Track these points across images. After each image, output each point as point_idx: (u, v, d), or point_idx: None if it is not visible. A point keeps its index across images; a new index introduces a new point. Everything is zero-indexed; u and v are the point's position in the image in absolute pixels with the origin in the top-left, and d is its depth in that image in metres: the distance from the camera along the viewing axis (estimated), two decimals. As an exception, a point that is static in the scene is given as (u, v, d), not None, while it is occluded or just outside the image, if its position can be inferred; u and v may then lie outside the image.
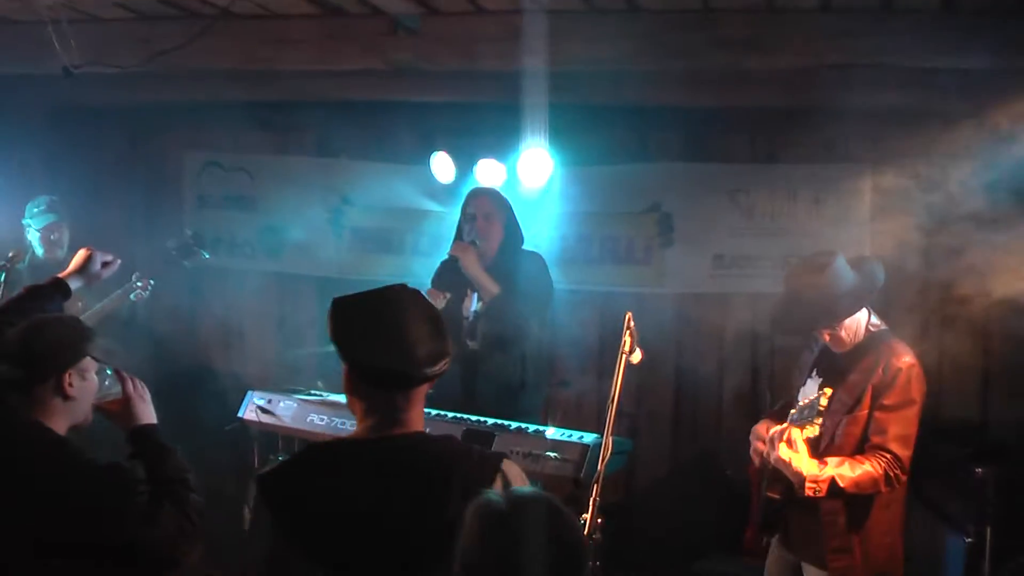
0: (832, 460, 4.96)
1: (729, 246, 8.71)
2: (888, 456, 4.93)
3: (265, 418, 6.87)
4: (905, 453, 4.96)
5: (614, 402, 4.79)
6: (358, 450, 3.38)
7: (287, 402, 6.85)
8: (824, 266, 5.08)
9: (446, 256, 6.96)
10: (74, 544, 3.85)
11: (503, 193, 7.28)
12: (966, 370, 8.07)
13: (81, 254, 5.24)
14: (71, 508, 3.89)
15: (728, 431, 8.83)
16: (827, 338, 5.20)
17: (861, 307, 5.13)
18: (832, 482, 4.88)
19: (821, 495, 4.90)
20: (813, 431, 4.82)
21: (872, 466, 4.91)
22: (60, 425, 4.17)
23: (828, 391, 4.82)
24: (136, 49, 6.66)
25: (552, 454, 5.84)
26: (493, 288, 6.72)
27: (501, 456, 3.37)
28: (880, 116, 7.69)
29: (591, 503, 4.54)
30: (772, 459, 4.98)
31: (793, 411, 4.95)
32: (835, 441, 5.04)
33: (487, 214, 6.92)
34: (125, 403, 4.38)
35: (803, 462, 4.89)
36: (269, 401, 6.93)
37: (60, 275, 5.12)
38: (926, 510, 6.70)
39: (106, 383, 4.43)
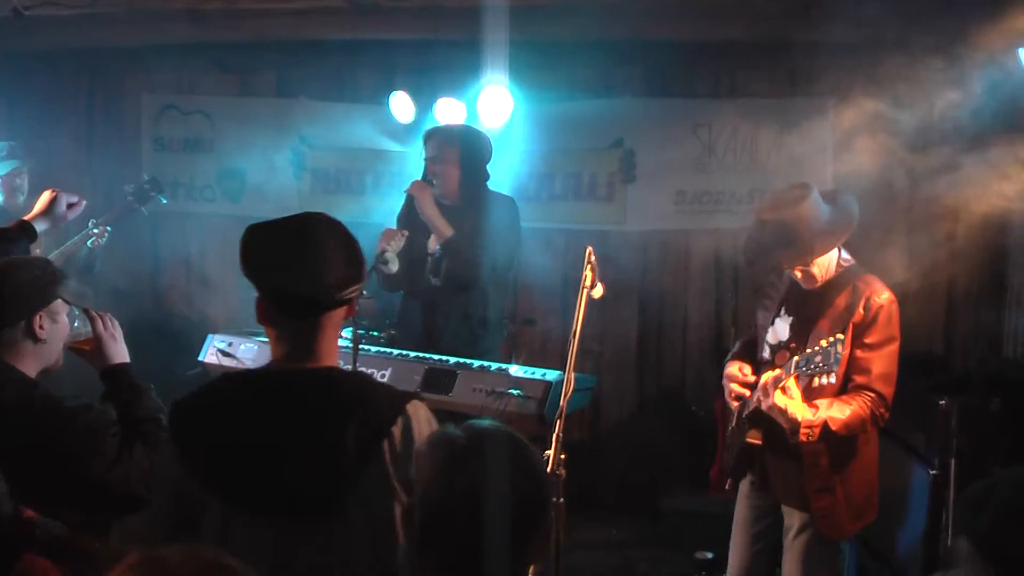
0: (822, 403, 4.92)
1: (692, 182, 8.69)
2: (873, 395, 4.91)
3: (226, 361, 6.81)
4: (888, 391, 4.94)
5: (576, 337, 4.75)
6: (264, 382, 3.35)
7: (248, 344, 6.79)
8: (799, 199, 4.99)
9: (405, 193, 6.88)
10: (44, 485, 3.81)
11: (465, 132, 7.15)
12: (929, 303, 8.10)
13: (46, 196, 5.20)
14: (41, 449, 3.85)
15: (693, 367, 8.85)
16: (799, 275, 5.15)
17: (837, 244, 5.07)
18: (824, 426, 4.86)
19: (814, 440, 4.88)
20: (829, 380, 4.78)
21: (859, 406, 4.89)
22: (30, 368, 4.14)
23: (841, 336, 4.75)
24: (88, -11, 6.58)
25: (515, 392, 5.81)
26: (446, 231, 6.65)
27: (408, 396, 3.30)
28: (843, 48, 7.65)
29: (555, 439, 4.51)
30: (765, 406, 4.93)
31: (796, 358, 4.85)
32: (815, 381, 5.01)
33: (435, 156, 6.84)
34: (97, 343, 4.34)
35: (798, 408, 4.85)
36: (230, 344, 6.88)
37: (26, 217, 5.08)
38: (891, 443, 6.71)
39: (75, 324, 4.39)
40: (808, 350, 4.74)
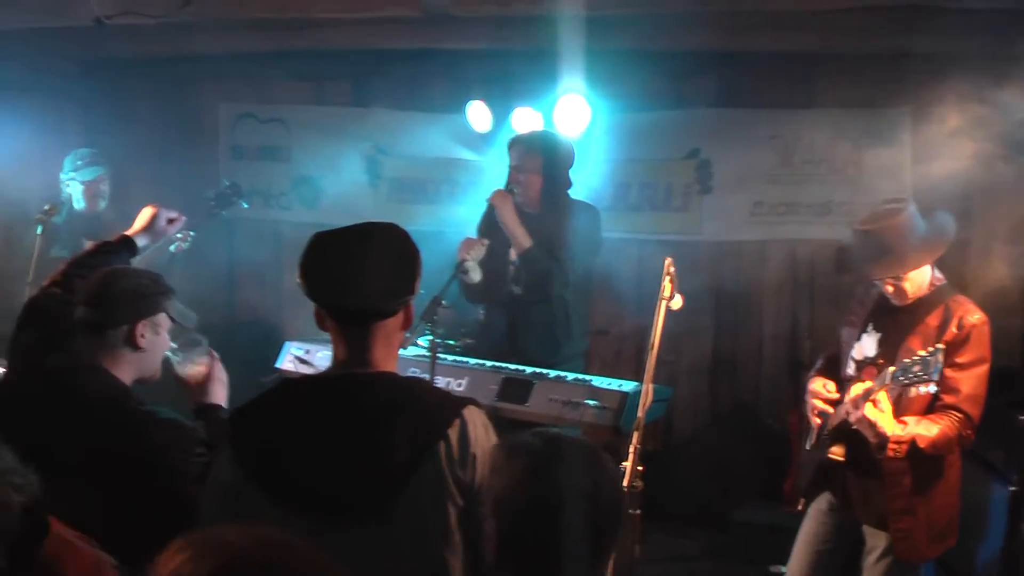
0: (910, 419, 4.86)
1: (768, 192, 8.64)
2: (960, 416, 4.85)
3: (303, 368, 6.86)
4: (976, 412, 4.88)
5: (654, 349, 4.75)
6: (320, 387, 3.38)
7: (325, 352, 6.82)
8: (896, 212, 4.97)
9: (487, 202, 6.88)
10: (120, 490, 3.84)
11: (547, 139, 7.14)
12: (1008, 316, 8.00)
13: (147, 211, 5.26)
14: (124, 454, 3.88)
15: (768, 379, 8.79)
16: (890, 289, 5.10)
17: (931, 259, 5.02)
18: (912, 443, 4.80)
19: (901, 456, 4.82)
20: (931, 389, 4.73)
21: (947, 426, 4.83)
22: (126, 374, 4.19)
23: (941, 346, 4.70)
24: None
25: (591, 402, 5.80)
26: (524, 241, 6.65)
27: (465, 402, 3.33)
28: (921, 59, 7.59)
29: (631, 451, 4.50)
30: (854, 419, 4.88)
31: (892, 369, 4.79)
32: (904, 397, 4.95)
33: (519, 165, 6.83)
34: (206, 380, 4.40)
35: (888, 423, 4.80)
36: (307, 351, 6.92)
37: (127, 232, 5.14)
38: (969, 460, 6.64)
39: (195, 353, 4.44)
40: (906, 360, 4.68)
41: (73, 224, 8.11)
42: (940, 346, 4.62)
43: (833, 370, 5.49)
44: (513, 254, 6.80)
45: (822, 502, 5.46)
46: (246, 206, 7.19)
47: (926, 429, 4.81)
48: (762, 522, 7.43)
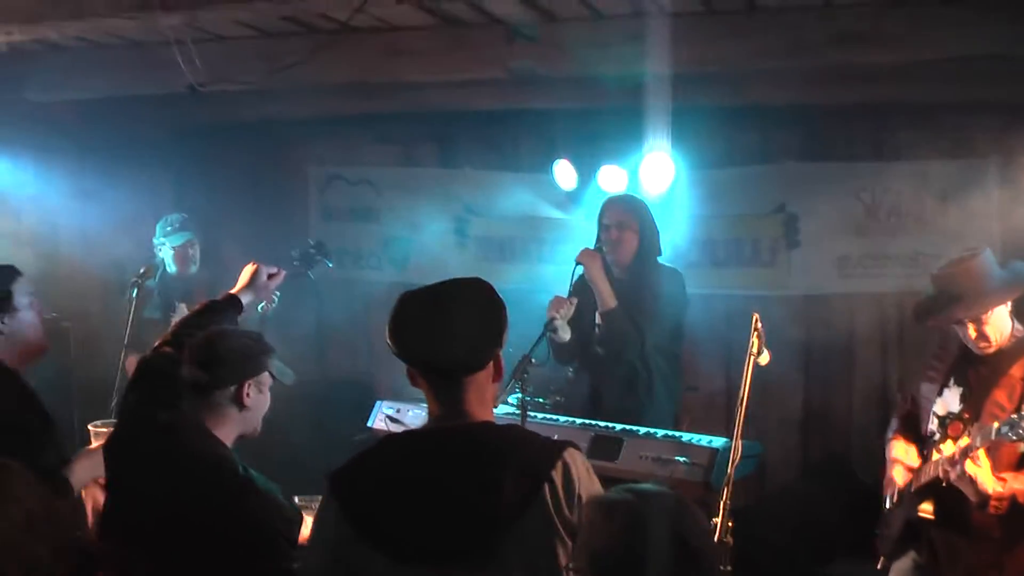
0: (1008, 475, 4.83)
1: (855, 246, 8.61)
2: None
3: (395, 427, 6.90)
4: None
5: (743, 404, 4.76)
6: (420, 441, 3.44)
7: (416, 411, 6.87)
8: (970, 257, 5.01)
9: (575, 262, 6.91)
10: (214, 553, 3.90)
11: (644, 203, 7.16)
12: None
13: (248, 269, 5.33)
14: (225, 520, 3.95)
15: (858, 433, 8.73)
16: (972, 334, 5.07)
17: (1010, 298, 5.00)
18: (1012, 498, 4.77)
19: (1003, 512, 4.79)
20: None
21: None
22: (230, 433, 4.27)
23: None
24: (258, 65, 6.76)
25: (682, 459, 5.81)
26: (610, 301, 6.67)
27: (565, 444, 3.35)
28: (1006, 110, 7.57)
29: (721, 506, 4.51)
30: (954, 476, 4.83)
31: (997, 424, 4.74)
32: (996, 450, 4.91)
33: (619, 223, 6.85)
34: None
35: (989, 479, 4.77)
36: (398, 410, 6.97)
37: (232, 291, 5.22)
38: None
39: None
40: (1013, 415, 4.64)
41: (166, 287, 8.27)
42: None
43: (910, 429, 5.46)
44: (598, 315, 6.83)
45: (906, 561, 5.41)
46: (331, 265, 7.29)
47: None
48: (853, 577, 7.38)
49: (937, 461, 5.06)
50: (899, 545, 5.38)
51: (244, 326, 6.71)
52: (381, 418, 7.05)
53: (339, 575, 3.29)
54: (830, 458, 8.81)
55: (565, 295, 6.61)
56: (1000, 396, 4.90)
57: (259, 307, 7.56)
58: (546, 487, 3.17)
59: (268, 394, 4.41)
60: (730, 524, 4.49)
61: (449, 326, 3.31)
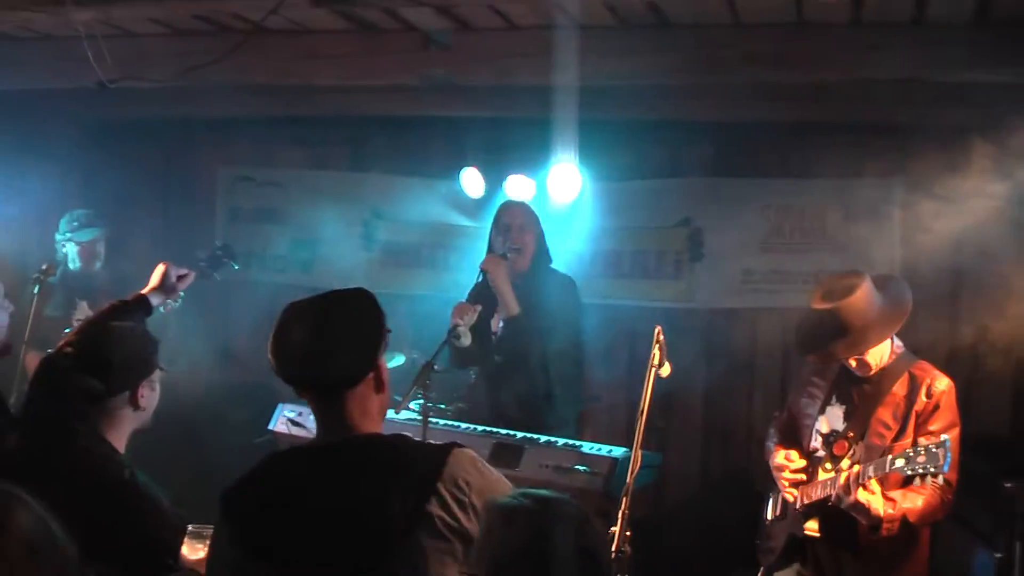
0: (896, 494, 4.91)
1: (759, 261, 8.70)
2: (941, 483, 4.90)
3: (296, 430, 6.89)
4: (954, 476, 4.93)
5: (643, 415, 4.79)
6: (306, 458, 3.43)
7: (317, 414, 6.87)
8: (851, 288, 5.03)
9: (479, 269, 6.94)
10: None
11: (534, 209, 7.24)
12: (997, 385, 8.06)
13: (159, 269, 5.31)
14: (112, 533, 3.92)
15: (758, 445, 8.75)
16: (853, 363, 5.16)
17: (891, 333, 5.10)
18: (903, 518, 4.85)
19: (894, 533, 4.88)
20: (935, 481, 4.80)
21: (930, 495, 4.89)
22: (124, 434, 4.27)
23: (946, 437, 4.74)
24: (170, 64, 6.71)
25: (581, 468, 5.85)
26: (513, 307, 6.71)
27: (449, 448, 3.36)
28: (910, 131, 7.69)
29: (620, 516, 4.54)
30: (846, 504, 4.91)
31: (891, 456, 4.77)
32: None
33: (521, 225, 6.90)
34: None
35: (880, 504, 4.85)
36: (300, 414, 6.95)
37: (142, 291, 5.19)
38: (955, 525, 6.69)
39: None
40: (909, 450, 4.73)
41: (68, 284, 8.19)
42: (945, 437, 4.69)
43: (790, 438, 5.55)
44: (495, 324, 6.87)
45: (790, 573, 5.51)
46: (236, 267, 7.26)
47: (912, 503, 4.87)
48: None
49: (825, 482, 5.15)
50: (783, 559, 5.47)
51: (148, 327, 6.71)
52: (283, 421, 7.03)
53: None
54: (730, 470, 8.89)
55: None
56: (884, 414, 5.01)
57: (161, 308, 7.53)
58: (433, 499, 3.19)
59: (158, 387, 4.41)
60: (628, 534, 4.53)
61: (322, 344, 3.32)
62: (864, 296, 5.00)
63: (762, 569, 5.62)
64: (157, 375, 4.41)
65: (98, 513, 3.90)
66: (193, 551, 4.25)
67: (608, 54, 6.35)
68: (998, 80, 6.04)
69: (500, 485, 3.40)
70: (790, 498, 5.40)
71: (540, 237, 6.97)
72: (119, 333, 4.43)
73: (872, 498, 4.82)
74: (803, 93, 6.98)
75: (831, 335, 5.08)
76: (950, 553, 6.18)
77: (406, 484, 3.20)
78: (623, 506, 4.57)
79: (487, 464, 3.47)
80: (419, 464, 3.28)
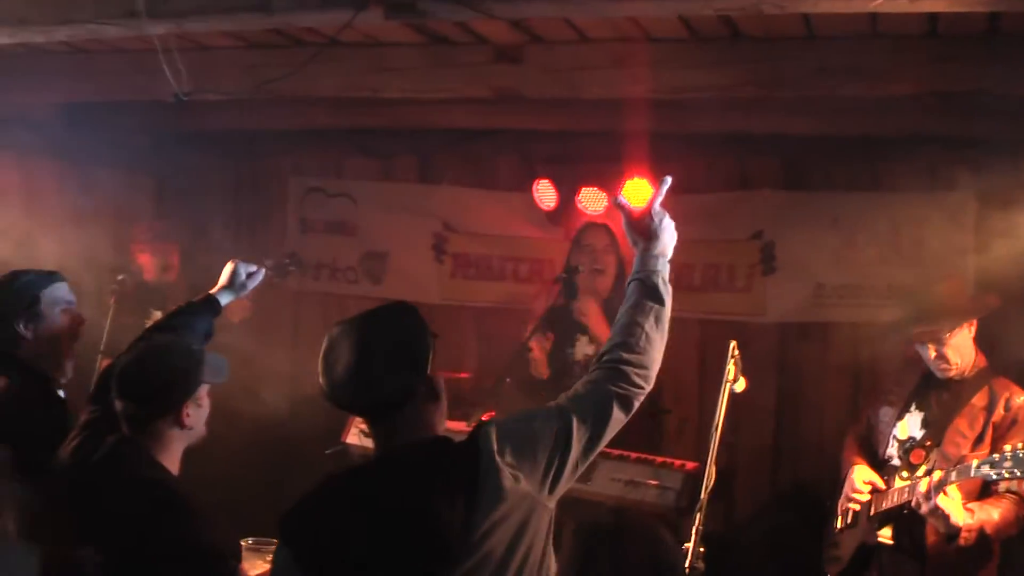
0: (974, 506, 4.89)
1: (831, 275, 8.62)
2: (1017, 498, 4.86)
3: (367, 441, 6.86)
4: None
5: (718, 431, 4.78)
6: (362, 474, 3.47)
7: (391, 426, 6.88)
8: (945, 280, 5.33)
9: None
10: None
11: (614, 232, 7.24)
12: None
13: (228, 268, 5.33)
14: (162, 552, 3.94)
15: (829, 461, 8.70)
16: (932, 354, 5.13)
17: (967, 320, 5.10)
18: (981, 530, 4.82)
19: (971, 543, 4.84)
20: (1011, 486, 4.77)
21: (1007, 509, 4.86)
22: (175, 453, 4.26)
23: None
24: (244, 77, 6.77)
25: (654, 482, 5.84)
26: None
27: (477, 431, 3.39)
28: (985, 144, 7.61)
29: (694, 531, 4.53)
30: (926, 509, 4.88)
31: (980, 463, 4.76)
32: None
33: (605, 247, 6.92)
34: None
35: (960, 514, 4.81)
36: (372, 424, 6.97)
37: (211, 291, 5.21)
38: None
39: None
40: (995, 455, 4.69)
41: (143, 295, 8.25)
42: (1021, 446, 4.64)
43: (865, 449, 5.52)
44: (577, 352, 6.87)
45: None
46: (293, 269, 7.23)
47: (989, 515, 4.83)
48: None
49: (902, 489, 5.12)
50: (851, 569, 5.43)
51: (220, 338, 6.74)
52: (354, 431, 7.06)
53: None
54: (800, 486, 8.83)
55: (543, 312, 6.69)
56: (962, 424, 4.98)
57: (236, 320, 7.58)
58: (478, 493, 3.21)
59: (207, 401, 4.40)
60: (702, 550, 4.51)
61: (368, 368, 3.33)
62: (952, 287, 5.19)
63: None
64: (204, 390, 4.39)
65: (144, 540, 3.92)
66: (253, 567, 4.26)
67: (678, 66, 6.34)
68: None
69: (531, 423, 3.44)
70: (851, 509, 5.38)
71: (621, 260, 6.97)
72: (156, 354, 4.39)
73: (952, 505, 4.79)
74: (876, 106, 6.93)
75: (913, 318, 5.22)
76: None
77: (449, 489, 3.22)
78: (697, 521, 4.56)
79: (509, 418, 3.51)
80: (455, 463, 3.30)
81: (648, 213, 3.87)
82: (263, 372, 8.76)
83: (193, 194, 10.00)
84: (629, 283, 3.87)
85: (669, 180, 3.84)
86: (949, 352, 5.10)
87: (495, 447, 3.29)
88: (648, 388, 3.68)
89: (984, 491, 5.00)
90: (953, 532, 4.82)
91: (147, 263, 8.33)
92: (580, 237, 7.05)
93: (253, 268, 5.44)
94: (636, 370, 3.61)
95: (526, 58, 6.57)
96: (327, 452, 7.47)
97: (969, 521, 4.80)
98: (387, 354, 3.35)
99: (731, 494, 8.69)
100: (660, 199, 3.88)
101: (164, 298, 8.24)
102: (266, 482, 7.37)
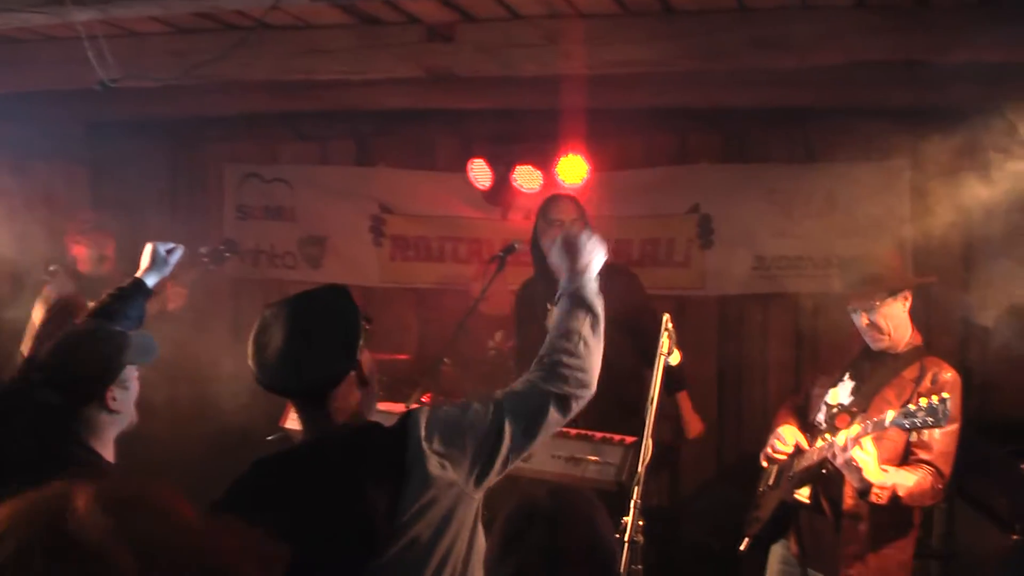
0: (890, 468, 4.93)
1: (770, 246, 8.68)
2: (934, 471, 4.91)
3: (307, 426, 6.89)
4: (947, 469, 4.97)
5: (654, 404, 4.78)
6: (291, 459, 3.48)
7: (326, 409, 6.88)
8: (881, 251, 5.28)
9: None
10: None
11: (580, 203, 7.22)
12: (1014, 366, 8.02)
13: (147, 249, 5.30)
14: None
15: (771, 432, 8.80)
16: (864, 322, 5.18)
17: (911, 286, 5.14)
18: (893, 491, 4.85)
19: (882, 503, 4.86)
20: (935, 434, 4.80)
21: (923, 478, 4.90)
22: (107, 437, 4.20)
23: (947, 395, 4.74)
24: (173, 62, 6.69)
25: (594, 458, 5.84)
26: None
27: (405, 418, 3.41)
28: (918, 114, 7.64)
29: (632, 506, 4.52)
30: (841, 461, 4.92)
31: (896, 415, 4.82)
32: (880, 444, 5.00)
33: (573, 220, 6.90)
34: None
35: (874, 469, 4.85)
36: (311, 410, 6.95)
37: (137, 275, 5.16)
38: (972, 508, 6.67)
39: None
40: (910, 406, 4.73)
41: (75, 286, 8.17)
42: (946, 395, 4.68)
43: (798, 419, 5.57)
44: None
45: (779, 549, 5.53)
46: (229, 256, 7.16)
47: (904, 479, 4.88)
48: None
49: (822, 447, 5.16)
50: (770, 528, 5.48)
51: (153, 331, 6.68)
52: (292, 417, 7.01)
53: None
54: (744, 457, 8.86)
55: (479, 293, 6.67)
56: (890, 394, 5.03)
57: (172, 308, 7.51)
58: (405, 478, 3.23)
59: (136, 384, 4.34)
60: (641, 523, 4.51)
61: (297, 351, 3.33)
62: (885, 255, 5.13)
63: (746, 540, 5.62)
64: (132, 372, 4.34)
65: None
66: None
67: (612, 42, 6.32)
68: (1002, 59, 5.99)
69: (463, 414, 3.43)
70: (765, 464, 5.43)
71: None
72: (78, 342, 4.34)
73: (866, 458, 4.82)
74: (809, 78, 6.94)
75: (848, 285, 5.27)
76: (967, 536, 6.14)
77: (376, 471, 3.23)
78: (635, 495, 4.55)
79: (442, 406, 3.50)
80: (383, 446, 3.32)
81: (573, 242, 3.85)
82: (203, 360, 8.72)
83: (128, 183, 9.91)
84: (558, 297, 3.86)
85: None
86: (880, 321, 5.14)
87: (423, 433, 3.31)
88: (589, 392, 3.66)
89: (904, 461, 5.05)
90: (865, 488, 4.85)
91: (82, 254, 8.23)
92: (546, 210, 7.01)
93: (171, 245, 5.41)
94: (575, 372, 3.61)
95: (458, 37, 6.53)
96: (268, 439, 7.45)
97: (882, 478, 4.84)
98: (318, 337, 3.36)
99: (676, 467, 8.73)
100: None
101: (98, 290, 8.17)
102: (207, 472, 7.31)
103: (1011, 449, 6.72)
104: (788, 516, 5.44)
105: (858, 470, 4.83)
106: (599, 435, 6.12)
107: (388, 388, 7.92)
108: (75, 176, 9.93)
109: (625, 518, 4.44)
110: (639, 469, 4.65)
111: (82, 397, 4.14)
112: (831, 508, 5.14)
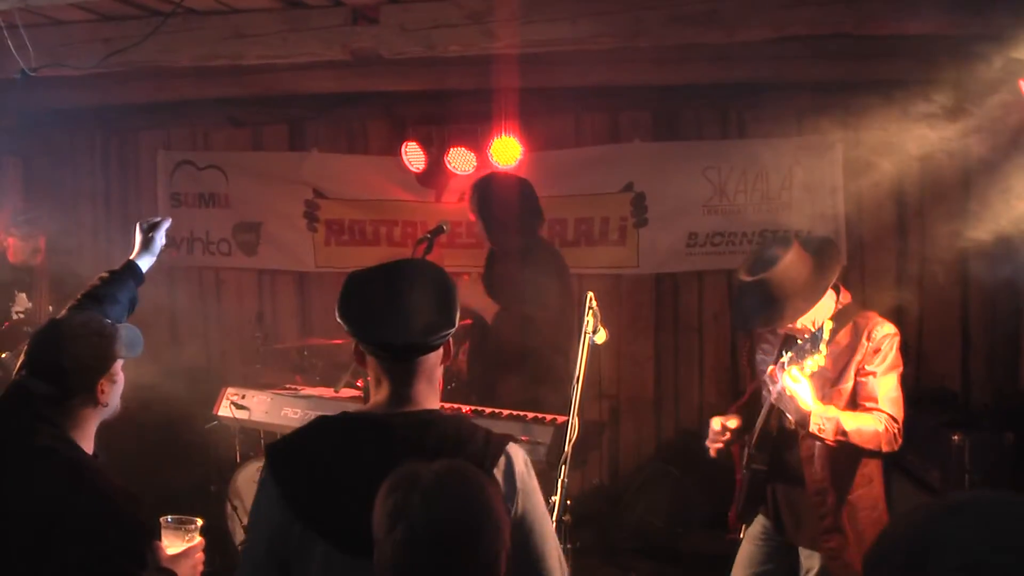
0: (836, 407, 4.92)
1: (703, 223, 8.70)
2: (885, 414, 4.89)
3: (240, 414, 6.88)
4: (899, 414, 4.89)
5: (579, 383, 4.77)
6: (365, 426, 3.37)
7: (260, 397, 6.88)
8: (775, 260, 4.92)
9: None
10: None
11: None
12: (944, 338, 8.08)
13: (136, 232, 5.23)
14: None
15: (710, 409, 8.78)
16: (798, 327, 5.14)
17: (825, 291, 5.03)
18: (838, 423, 4.81)
19: (826, 435, 4.81)
20: (819, 361, 4.74)
21: (873, 420, 4.87)
22: (90, 428, 4.16)
23: (831, 323, 4.70)
24: (95, 49, 6.62)
25: (524, 438, 5.83)
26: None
27: (507, 439, 3.35)
28: (849, 88, 7.68)
29: (559, 485, 4.52)
30: (775, 395, 4.90)
31: (788, 353, 4.82)
32: (824, 398, 4.99)
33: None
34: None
35: (810, 396, 4.82)
36: (243, 397, 6.95)
37: (130, 257, 5.10)
38: (905, 478, 6.71)
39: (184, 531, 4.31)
40: (817, 331, 4.71)
41: (6, 277, 8.12)
42: (828, 322, 4.65)
43: (754, 404, 5.55)
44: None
45: (757, 526, 5.50)
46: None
47: (849, 416, 4.85)
48: (711, 552, 7.44)
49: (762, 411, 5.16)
50: (748, 507, 5.46)
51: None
52: (227, 404, 7.01)
53: (281, 556, 3.24)
54: (682, 435, 8.89)
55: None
56: (827, 363, 4.98)
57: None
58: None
59: (122, 375, 4.31)
60: (568, 503, 4.51)
61: (406, 306, 3.27)
62: (790, 264, 4.92)
63: (743, 527, 5.63)
64: (119, 365, 4.31)
65: (51, 518, 3.84)
66: (173, 544, 4.18)
67: (536, 21, 6.30)
68: (930, 32, 6.01)
69: (537, 495, 3.37)
70: (713, 454, 5.45)
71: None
72: (71, 333, 4.28)
73: (795, 386, 4.78)
74: (736, 53, 6.95)
75: (763, 309, 5.03)
76: (900, 507, 6.15)
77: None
78: (561, 474, 4.55)
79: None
80: (478, 446, 3.27)
81: None
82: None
83: (60, 173, 9.84)
84: None
85: None
86: (808, 324, 5.08)
87: (517, 473, 3.29)
88: None
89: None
90: (803, 418, 4.82)
91: (13, 246, 8.16)
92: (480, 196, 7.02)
93: (156, 219, 5.36)
94: None
95: (383, 18, 6.49)
96: (207, 427, 7.44)
97: (821, 408, 4.81)
98: (429, 298, 3.30)
99: (615, 446, 8.75)
100: None
101: (31, 281, 8.11)
102: (143, 462, 7.28)
103: (944, 420, 6.76)
104: (758, 489, 5.42)
105: (791, 399, 4.81)
106: (530, 415, 6.12)
107: (324, 373, 7.92)
108: (5, 167, 9.84)
109: (553, 497, 4.44)
110: (566, 448, 4.64)
111: (74, 390, 4.10)
112: (790, 472, 5.13)
